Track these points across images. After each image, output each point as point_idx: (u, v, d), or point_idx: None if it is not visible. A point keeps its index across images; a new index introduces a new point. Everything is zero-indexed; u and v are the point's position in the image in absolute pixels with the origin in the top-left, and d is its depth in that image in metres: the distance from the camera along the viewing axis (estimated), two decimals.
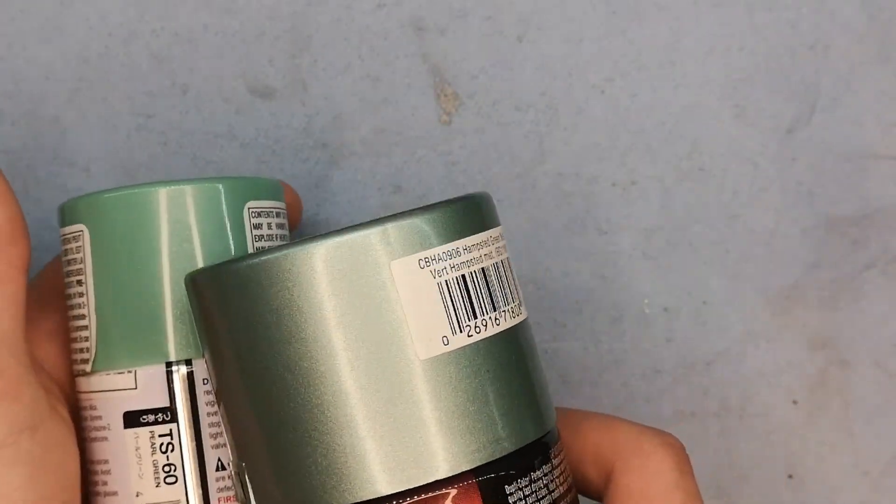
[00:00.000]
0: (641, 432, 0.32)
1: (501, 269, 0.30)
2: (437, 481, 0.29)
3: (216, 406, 0.31)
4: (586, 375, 0.43)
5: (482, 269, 0.30)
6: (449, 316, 0.29)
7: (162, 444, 0.32)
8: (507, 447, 0.29)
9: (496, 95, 0.42)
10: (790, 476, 0.42)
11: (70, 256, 0.34)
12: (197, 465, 0.33)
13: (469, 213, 0.30)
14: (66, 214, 0.34)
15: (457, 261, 0.29)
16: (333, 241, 0.28)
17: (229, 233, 0.33)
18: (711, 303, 0.42)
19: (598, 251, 0.42)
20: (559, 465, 0.31)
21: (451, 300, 0.29)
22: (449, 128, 0.42)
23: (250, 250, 0.33)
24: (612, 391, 0.43)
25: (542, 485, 0.30)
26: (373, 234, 0.28)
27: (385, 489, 0.29)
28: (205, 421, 0.33)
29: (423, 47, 0.42)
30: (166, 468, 0.32)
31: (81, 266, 0.34)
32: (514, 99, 0.42)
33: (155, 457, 0.32)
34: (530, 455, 0.30)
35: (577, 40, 0.42)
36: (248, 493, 0.30)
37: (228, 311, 0.29)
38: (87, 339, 0.34)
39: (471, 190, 0.40)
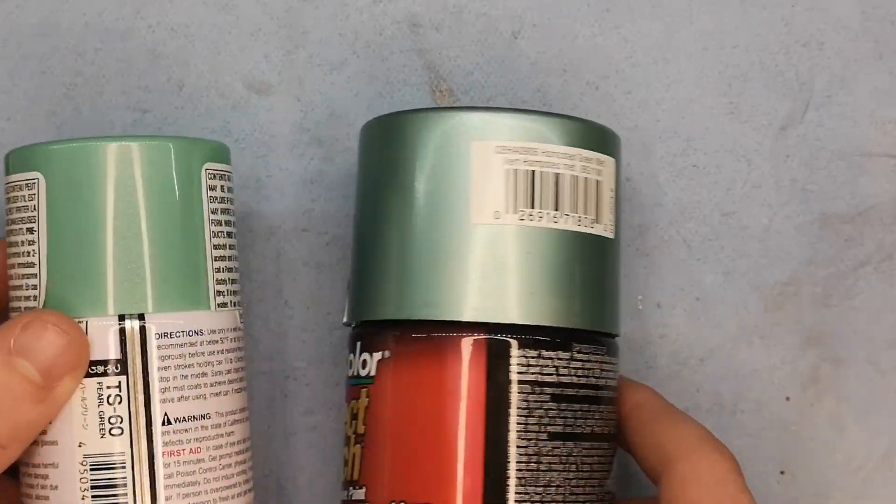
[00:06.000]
0: (703, 437, 0.35)
1: (582, 184, 0.35)
2: (452, 322, 0.34)
3: (167, 360, 0.33)
4: None
5: (555, 173, 0.35)
6: (507, 196, 0.34)
7: (110, 395, 0.33)
8: (514, 317, 0.34)
9: (491, 92, 0.42)
10: (782, 472, 0.42)
11: (19, 204, 0.34)
12: (144, 418, 0.33)
13: (562, 128, 0.35)
14: (16, 162, 0.35)
15: (531, 158, 0.34)
16: (444, 115, 0.35)
17: (177, 191, 0.34)
18: (705, 299, 0.42)
19: None
20: (579, 360, 0.35)
21: (515, 185, 0.34)
22: None
23: (205, 212, 0.34)
24: None
25: (551, 365, 0.34)
26: (474, 117, 0.35)
27: (402, 315, 0.35)
28: (155, 375, 0.33)
29: (419, 43, 0.42)
30: (112, 420, 0.33)
31: (34, 214, 0.34)
32: (509, 95, 0.42)
33: (101, 408, 0.33)
34: (541, 334, 0.34)
35: (572, 37, 0.42)
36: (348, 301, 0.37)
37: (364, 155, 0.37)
38: (34, 286, 0.34)
39: None
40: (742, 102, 0.42)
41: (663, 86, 0.42)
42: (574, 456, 0.35)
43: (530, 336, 0.34)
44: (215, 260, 0.35)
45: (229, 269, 0.35)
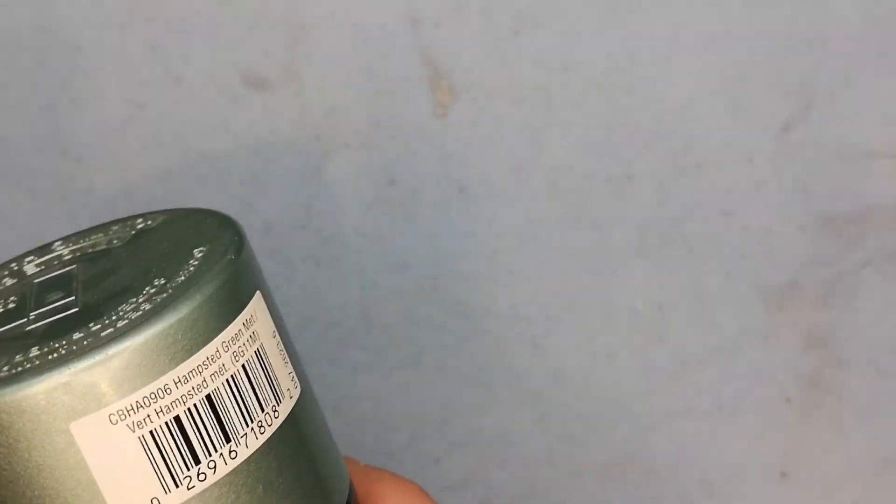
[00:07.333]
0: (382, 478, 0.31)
1: (243, 377, 0.24)
2: None
3: None
4: (578, 371, 0.43)
5: (207, 396, 0.24)
6: (159, 473, 0.23)
7: None
8: None
9: (491, 89, 0.42)
10: (783, 474, 0.42)
11: None
12: None
13: (181, 334, 0.23)
14: None
15: (165, 401, 0.23)
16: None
17: None
18: (706, 300, 0.42)
19: (592, 246, 0.42)
20: None
21: (161, 452, 0.23)
22: (444, 121, 0.42)
23: None
24: (605, 388, 0.43)
25: None
26: (41, 393, 0.22)
27: None
28: None
29: (419, 40, 0.42)
30: None
31: None
32: (510, 93, 0.42)
33: None
34: None
35: (574, 34, 0.42)
36: None
37: None
38: None
39: (466, 181, 0.40)
40: (744, 101, 0.42)
41: (665, 84, 0.42)
42: None
43: None
44: None
45: None
